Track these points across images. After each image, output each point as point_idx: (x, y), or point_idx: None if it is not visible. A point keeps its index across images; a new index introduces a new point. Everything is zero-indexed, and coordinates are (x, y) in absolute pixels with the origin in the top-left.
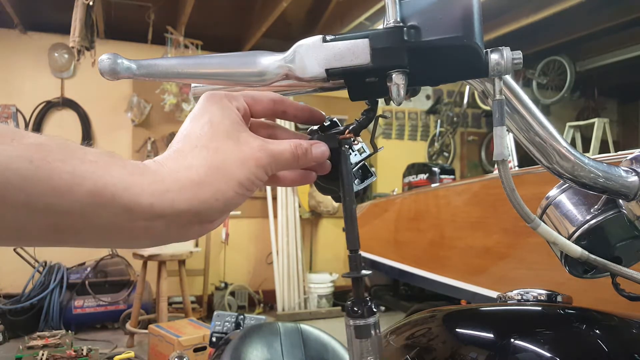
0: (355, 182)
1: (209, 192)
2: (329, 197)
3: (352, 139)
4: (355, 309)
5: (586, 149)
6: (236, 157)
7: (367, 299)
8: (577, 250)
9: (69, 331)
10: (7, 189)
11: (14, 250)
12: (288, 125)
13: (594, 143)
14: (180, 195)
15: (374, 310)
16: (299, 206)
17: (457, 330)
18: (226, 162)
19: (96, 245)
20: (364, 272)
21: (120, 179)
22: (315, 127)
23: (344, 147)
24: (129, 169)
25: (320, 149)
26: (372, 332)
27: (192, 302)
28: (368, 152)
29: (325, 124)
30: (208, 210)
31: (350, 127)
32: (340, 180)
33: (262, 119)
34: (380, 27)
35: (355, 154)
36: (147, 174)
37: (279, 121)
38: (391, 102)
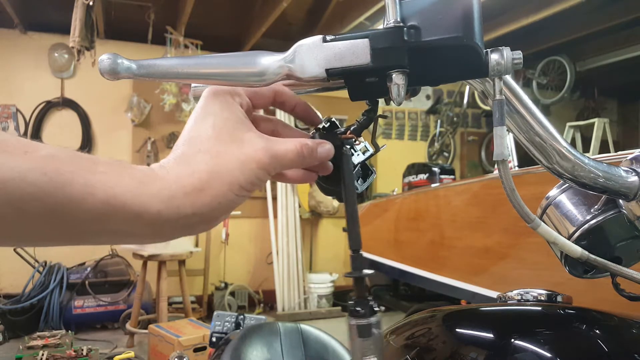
0: (359, 181)
1: (210, 196)
2: (329, 197)
3: (354, 140)
4: (358, 308)
5: (586, 149)
6: (238, 160)
7: (369, 298)
8: (577, 250)
9: (69, 331)
10: (25, 201)
11: (14, 250)
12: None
13: (594, 143)
14: (185, 201)
15: (376, 309)
16: (299, 206)
17: (457, 330)
18: (228, 166)
19: (109, 243)
20: (365, 271)
21: (130, 189)
22: (319, 127)
23: (345, 147)
24: (137, 178)
25: (326, 147)
26: (374, 331)
27: (192, 302)
28: (371, 152)
29: (325, 125)
30: (211, 213)
31: (352, 128)
32: (342, 179)
33: (265, 115)
34: (380, 27)
35: (358, 154)
36: (154, 181)
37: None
38: (391, 102)
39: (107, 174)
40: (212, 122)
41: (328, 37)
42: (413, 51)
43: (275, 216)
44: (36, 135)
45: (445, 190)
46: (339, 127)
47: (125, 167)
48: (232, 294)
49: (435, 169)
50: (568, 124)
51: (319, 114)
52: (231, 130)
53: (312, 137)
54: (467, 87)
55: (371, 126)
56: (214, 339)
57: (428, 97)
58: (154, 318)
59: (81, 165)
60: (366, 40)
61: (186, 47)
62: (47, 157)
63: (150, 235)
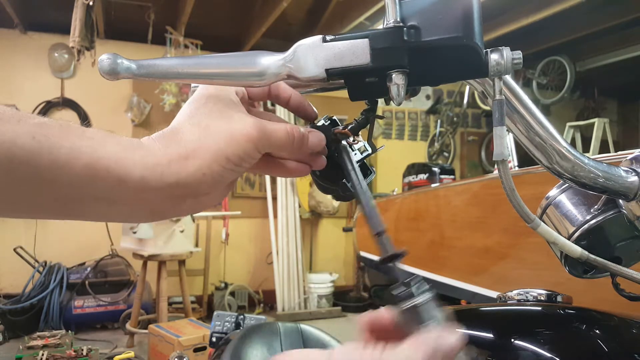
0: None
1: (195, 165)
2: (329, 197)
3: (352, 138)
4: (399, 292)
5: (586, 149)
6: (226, 132)
7: (412, 278)
8: (577, 250)
9: (69, 331)
10: (15, 163)
11: (14, 250)
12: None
13: (594, 143)
14: (169, 168)
15: (426, 288)
16: (299, 206)
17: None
18: (215, 138)
19: (102, 218)
20: (400, 250)
21: (114, 153)
22: (318, 123)
23: (342, 142)
24: (123, 145)
25: (317, 137)
26: (432, 312)
27: (192, 302)
28: (369, 151)
29: (325, 123)
30: (196, 184)
31: (349, 127)
32: (346, 173)
33: (261, 110)
34: (380, 27)
35: (356, 153)
36: (139, 149)
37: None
38: (391, 102)
39: (93, 140)
40: (205, 102)
41: (328, 37)
42: (413, 51)
43: (275, 216)
44: None
45: (445, 190)
46: (339, 125)
47: (113, 135)
48: (232, 294)
49: (435, 169)
50: (568, 124)
51: (314, 108)
52: (223, 109)
53: None
54: (467, 87)
55: (369, 127)
56: (214, 339)
57: (428, 97)
58: (154, 318)
59: (69, 132)
60: (366, 40)
61: (186, 47)
62: (38, 124)
63: (135, 205)
